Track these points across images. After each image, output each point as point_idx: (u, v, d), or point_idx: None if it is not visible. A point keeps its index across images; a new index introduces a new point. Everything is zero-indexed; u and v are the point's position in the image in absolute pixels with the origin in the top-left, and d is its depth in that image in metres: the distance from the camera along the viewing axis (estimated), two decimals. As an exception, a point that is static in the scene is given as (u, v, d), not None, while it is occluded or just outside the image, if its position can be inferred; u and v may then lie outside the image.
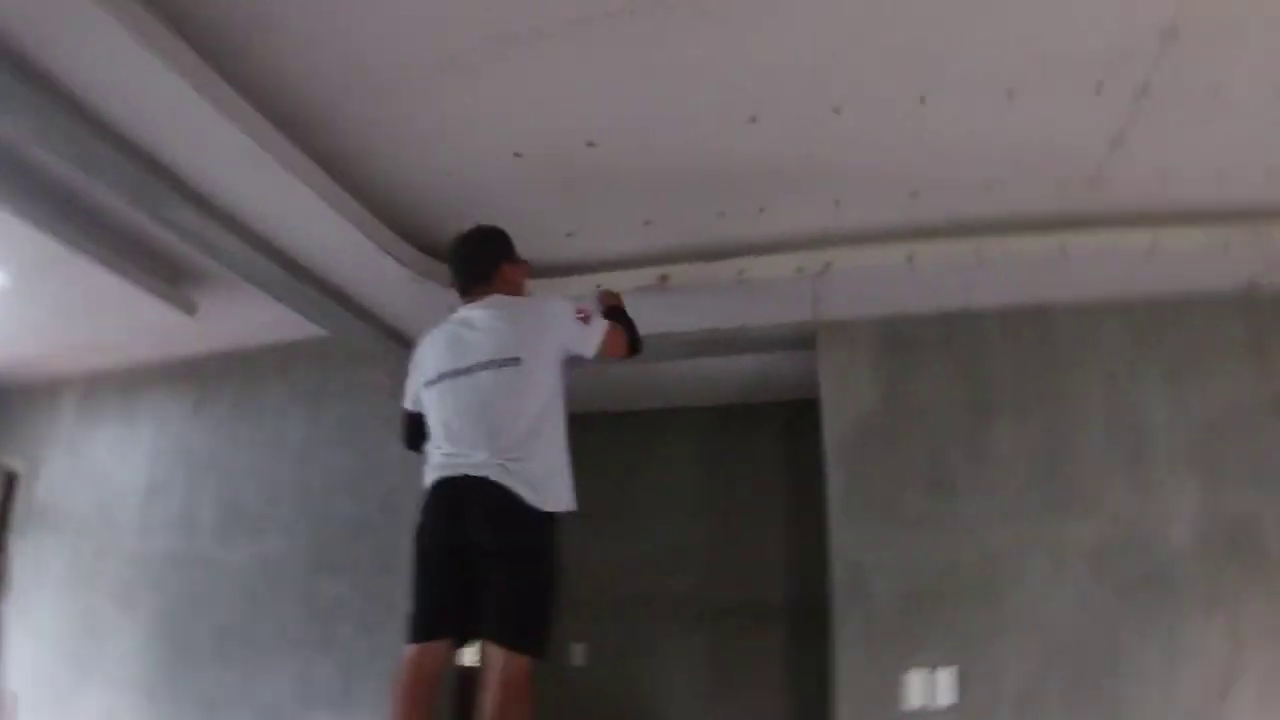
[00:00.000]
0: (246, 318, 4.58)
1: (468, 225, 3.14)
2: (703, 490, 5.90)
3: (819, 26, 2.65)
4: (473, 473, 2.60)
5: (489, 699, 2.44)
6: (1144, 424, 4.01)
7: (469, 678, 3.28)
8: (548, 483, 2.64)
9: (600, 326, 2.95)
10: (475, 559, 2.61)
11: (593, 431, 5.69)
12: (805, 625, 5.18)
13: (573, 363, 2.91)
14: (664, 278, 3.69)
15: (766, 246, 3.78)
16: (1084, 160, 3.43)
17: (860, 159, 3.31)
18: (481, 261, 3.01)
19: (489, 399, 2.67)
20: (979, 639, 3.75)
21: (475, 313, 2.86)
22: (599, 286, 3.60)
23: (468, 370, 2.72)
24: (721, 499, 5.85)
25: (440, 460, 2.73)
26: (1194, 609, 3.74)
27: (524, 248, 3.21)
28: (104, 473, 5.21)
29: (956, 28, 2.73)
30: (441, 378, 2.79)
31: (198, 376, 5.18)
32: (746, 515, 5.75)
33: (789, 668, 5.40)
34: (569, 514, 2.70)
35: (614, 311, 3.25)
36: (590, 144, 3.15)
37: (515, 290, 3.00)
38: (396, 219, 3.60)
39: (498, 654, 2.50)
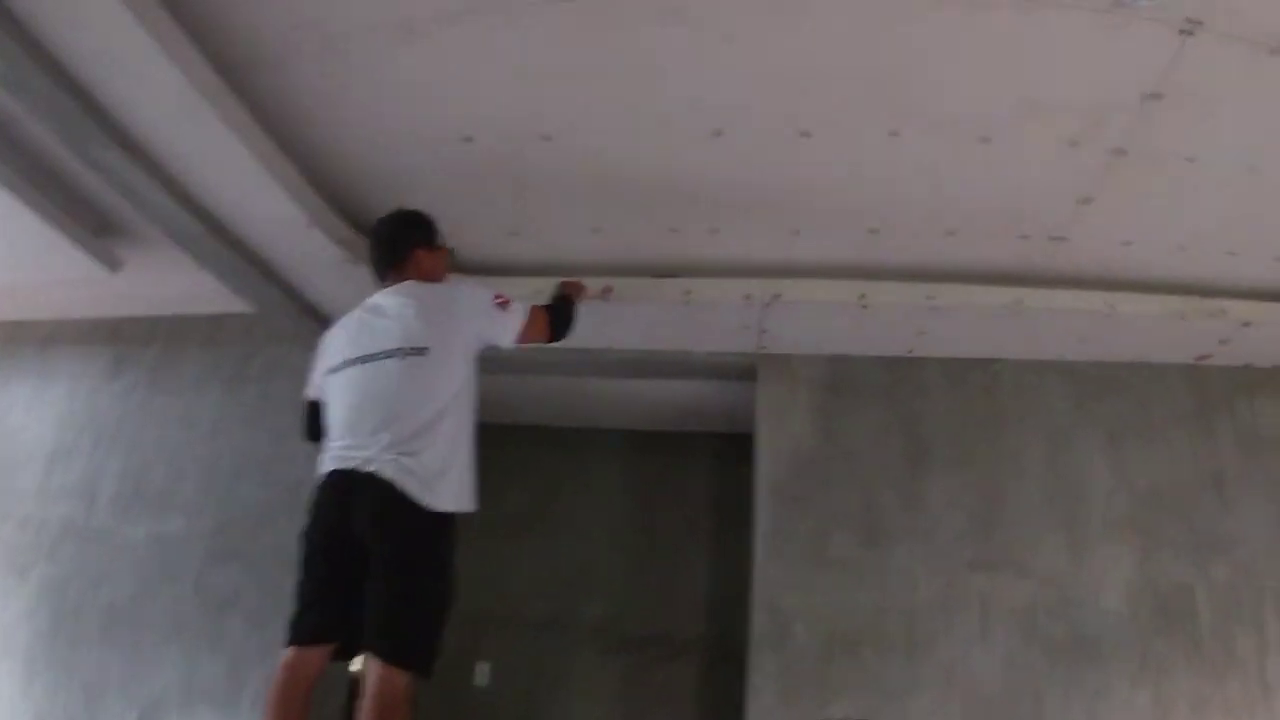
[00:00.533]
0: (171, 283, 4.35)
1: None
2: (627, 515, 5.69)
3: (797, 43, 2.54)
4: (362, 467, 2.41)
5: (362, 717, 2.24)
6: (1083, 487, 3.97)
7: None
8: (442, 480, 2.43)
9: (518, 313, 2.79)
10: (363, 560, 2.40)
11: (519, 444, 5.58)
12: (721, 664, 5.02)
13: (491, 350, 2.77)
14: (608, 289, 3.54)
15: (716, 269, 3.65)
16: (1050, 216, 3.37)
17: (824, 188, 3.22)
18: (396, 245, 2.85)
19: (390, 389, 2.50)
20: (898, 692, 3.63)
21: (386, 299, 2.70)
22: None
23: (372, 358, 2.55)
24: (645, 526, 5.65)
25: (333, 452, 2.55)
26: (1122, 677, 3.69)
27: (464, 241, 3.06)
28: (13, 430, 4.91)
29: (938, 64, 2.65)
30: (345, 365, 2.61)
31: (117, 340, 4.90)
32: (669, 545, 5.57)
33: (702, 706, 5.23)
34: (470, 517, 2.51)
35: (563, 301, 3.14)
36: (545, 138, 3.00)
37: (431, 277, 2.82)
38: (333, 193, 3.38)
39: (376, 667, 2.28)
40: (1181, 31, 2.59)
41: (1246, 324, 4.00)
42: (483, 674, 5.37)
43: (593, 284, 3.47)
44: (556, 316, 3.01)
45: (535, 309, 2.88)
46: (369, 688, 2.26)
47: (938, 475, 3.95)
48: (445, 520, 2.43)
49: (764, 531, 3.90)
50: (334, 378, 2.65)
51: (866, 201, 3.28)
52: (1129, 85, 2.78)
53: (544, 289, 3.30)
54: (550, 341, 3.01)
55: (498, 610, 5.26)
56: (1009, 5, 2.45)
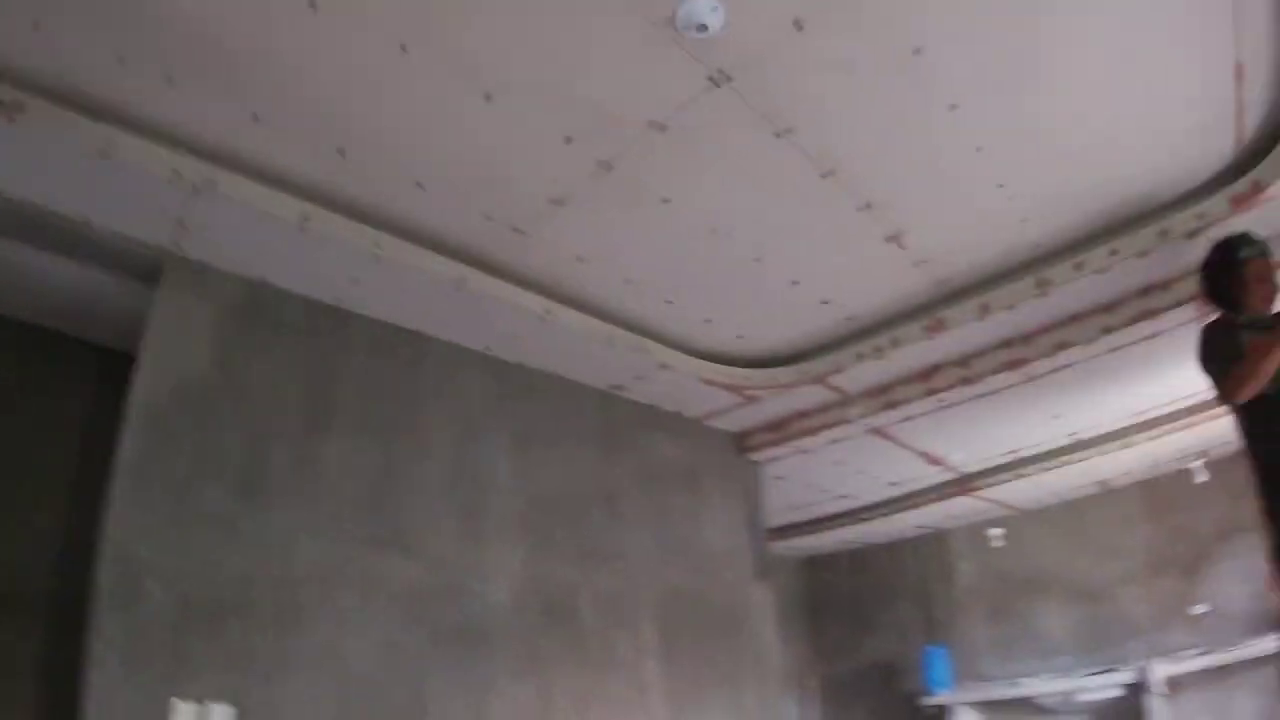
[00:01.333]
0: None
1: None
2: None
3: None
4: None
5: None
6: (486, 480, 3.90)
7: None
8: None
9: None
10: None
11: None
12: (73, 627, 3.94)
13: None
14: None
15: (149, 127, 2.84)
16: (520, 205, 3.23)
17: (303, 78, 2.67)
18: None
19: None
20: (266, 671, 3.08)
21: None
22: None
23: None
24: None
25: None
26: (506, 669, 3.65)
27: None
28: None
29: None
30: None
31: None
32: (22, 475, 4.33)
33: (42, 678, 4.06)
34: None
35: None
36: None
37: None
38: None
39: None
40: (710, 79, 2.64)
41: (663, 367, 4.30)
42: None
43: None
44: None
45: None
46: None
47: (338, 438, 3.52)
48: None
49: (128, 466, 3.11)
50: None
51: (344, 113, 2.81)
52: (642, 106, 2.76)
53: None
54: None
55: None
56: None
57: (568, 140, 2.89)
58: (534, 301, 3.74)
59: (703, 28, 2.41)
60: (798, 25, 2.48)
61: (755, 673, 4.95)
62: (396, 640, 3.37)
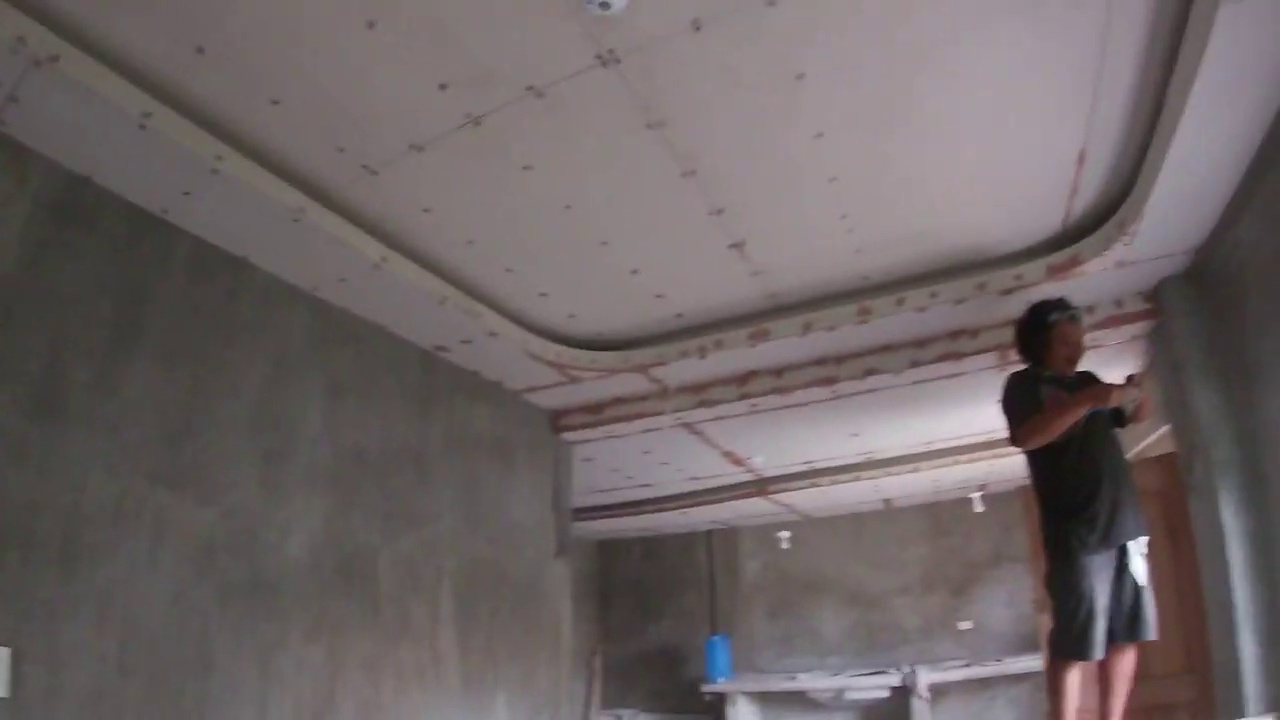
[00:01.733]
0: None
1: None
2: None
3: None
4: None
5: None
6: (293, 426, 3.67)
7: None
8: None
9: None
10: None
11: None
12: None
13: None
14: None
15: None
16: (381, 143, 3.09)
17: None
18: None
19: None
20: (47, 613, 2.75)
21: None
22: None
23: None
24: None
25: None
26: (298, 629, 3.47)
27: None
28: None
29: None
30: None
31: None
32: None
33: None
34: None
35: None
36: None
37: None
38: None
39: None
40: (599, 57, 2.63)
41: (492, 334, 4.25)
42: None
43: None
44: None
45: None
46: None
47: (145, 362, 3.20)
48: None
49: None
50: None
51: (212, 7, 2.56)
52: (526, 69, 2.71)
53: None
54: None
55: None
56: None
57: (442, 86, 2.80)
58: (371, 246, 3.59)
59: (605, 5, 2.39)
60: (696, 25, 2.52)
61: (549, 649, 5.01)
62: (186, 589, 3.14)
